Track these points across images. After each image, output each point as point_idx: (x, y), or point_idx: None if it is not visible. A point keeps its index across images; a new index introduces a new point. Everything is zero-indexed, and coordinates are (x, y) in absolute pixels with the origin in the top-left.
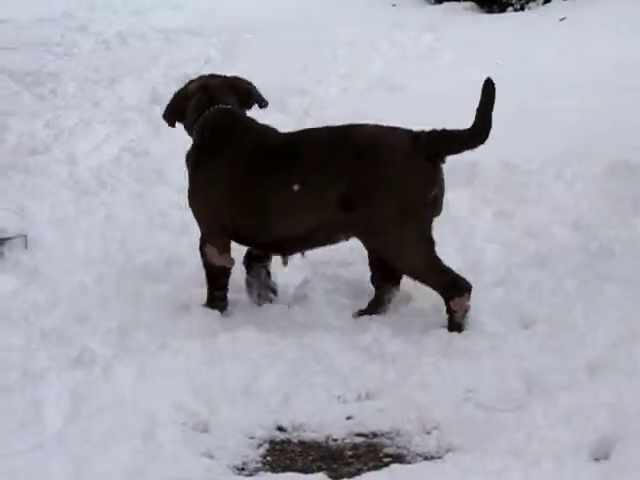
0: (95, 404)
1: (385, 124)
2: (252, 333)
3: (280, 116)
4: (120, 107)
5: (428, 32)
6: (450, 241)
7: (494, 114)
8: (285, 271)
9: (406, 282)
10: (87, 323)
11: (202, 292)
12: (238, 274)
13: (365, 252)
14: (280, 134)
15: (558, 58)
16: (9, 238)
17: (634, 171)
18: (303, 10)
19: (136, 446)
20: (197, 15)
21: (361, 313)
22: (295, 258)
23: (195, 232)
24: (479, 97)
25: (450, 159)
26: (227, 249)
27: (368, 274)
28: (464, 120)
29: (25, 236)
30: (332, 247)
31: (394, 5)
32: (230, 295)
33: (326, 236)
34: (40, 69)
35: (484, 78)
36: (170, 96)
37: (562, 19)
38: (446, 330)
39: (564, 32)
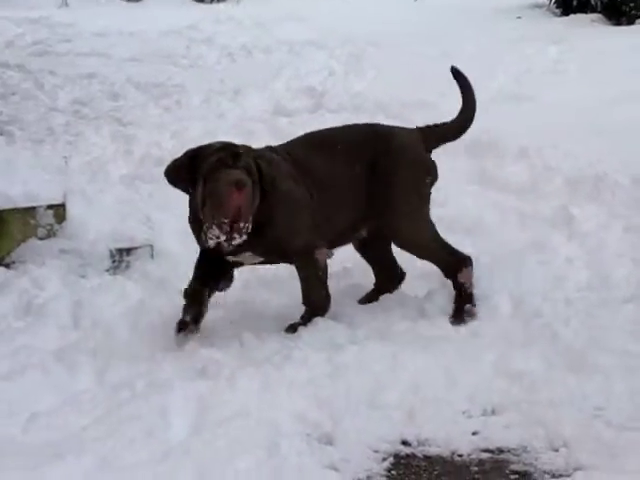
0: (220, 414)
1: (510, 136)
2: (376, 345)
3: None
4: (244, 119)
5: (554, 44)
6: (579, 256)
7: (621, 129)
8: (413, 283)
9: None
10: (212, 334)
11: None
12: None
13: None
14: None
15: None
16: (136, 248)
17: None
18: (426, 23)
19: (260, 457)
20: (321, 28)
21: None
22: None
23: None
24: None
25: (575, 174)
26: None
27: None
28: (591, 130)
29: (151, 246)
30: None
31: (519, 17)
32: (353, 309)
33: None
34: (166, 81)
35: (611, 91)
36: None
37: None
38: (575, 346)
39: None
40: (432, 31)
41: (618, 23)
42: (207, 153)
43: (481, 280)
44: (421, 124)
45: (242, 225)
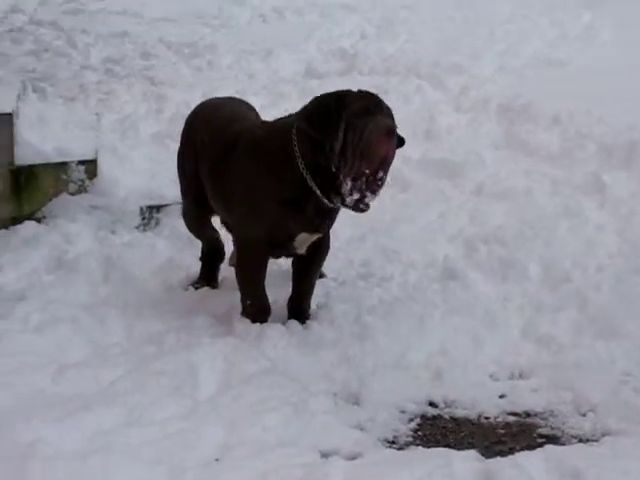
0: (247, 371)
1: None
2: (405, 307)
3: (436, 94)
4: (274, 80)
5: (587, 10)
6: (610, 223)
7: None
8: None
9: None
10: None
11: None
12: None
13: None
14: None
15: None
16: (166, 205)
17: None
18: None
19: (287, 414)
20: None
21: None
22: None
23: None
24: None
25: (607, 140)
26: None
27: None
28: (625, 96)
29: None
30: None
31: None
32: (383, 269)
33: None
34: (198, 41)
35: None
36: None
37: None
38: (604, 312)
39: None
40: None
41: None
42: (350, 99)
43: (511, 245)
44: (454, 87)
45: (382, 177)
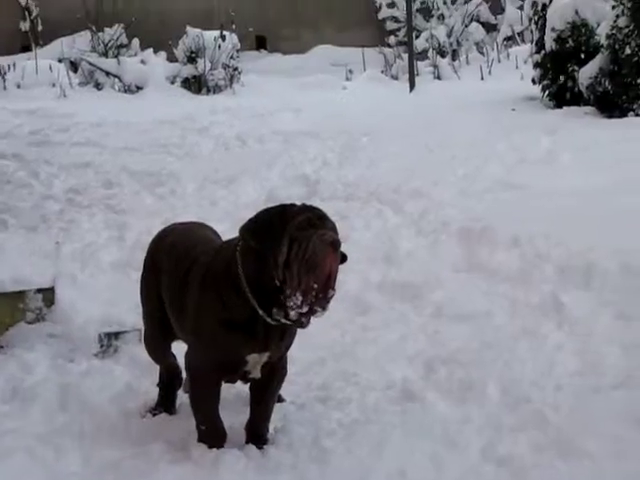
0: None
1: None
2: (363, 429)
3: (396, 218)
4: (236, 206)
5: (547, 135)
6: (569, 343)
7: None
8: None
9: None
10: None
11: None
12: None
13: None
14: None
15: None
16: (124, 332)
17: None
18: (423, 114)
19: None
20: (316, 118)
21: None
22: None
23: None
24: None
25: (565, 261)
26: None
27: None
28: (583, 218)
29: (140, 330)
30: None
31: (513, 110)
32: (342, 392)
33: None
34: (160, 170)
35: (603, 180)
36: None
37: None
38: (564, 431)
39: None
40: (427, 122)
41: (611, 115)
42: (293, 212)
43: (470, 366)
44: (414, 211)
45: (331, 294)
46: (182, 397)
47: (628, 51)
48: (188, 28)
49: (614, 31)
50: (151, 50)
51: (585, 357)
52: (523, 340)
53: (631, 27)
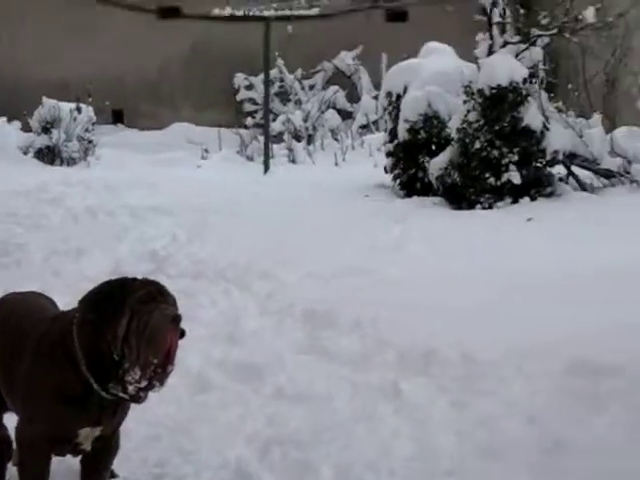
0: None
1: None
2: None
3: (242, 297)
4: (79, 278)
5: (397, 223)
6: (405, 427)
7: (456, 306)
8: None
9: None
10: None
11: None
12: None
13: None
14: None
15: (525, 255)
16: None
17: (596, 372)
18: (276, 196)
19: None
20: (169, 195)
21: None
22: None
23: None
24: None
25: (406, 347)
26: None
27: None
28: (427, 305)
29: None
30: None
31: (367, 196)
32: None
33: None
34: (8, 239)
35: (449, 269)
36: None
37: (529, 219)
38: None
39: (531, 231)
40: (281, 204)
41: (459, 207)
42: (134, 285)
43: (307, 447)
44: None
45: (170, 369)
46: (11, 470)
47: (477, 145)
48: (44, 98)
49: (464, 125)
50: (4, 119)
51: (421, 442)
52: (361, 423)
53: (481, 122)
